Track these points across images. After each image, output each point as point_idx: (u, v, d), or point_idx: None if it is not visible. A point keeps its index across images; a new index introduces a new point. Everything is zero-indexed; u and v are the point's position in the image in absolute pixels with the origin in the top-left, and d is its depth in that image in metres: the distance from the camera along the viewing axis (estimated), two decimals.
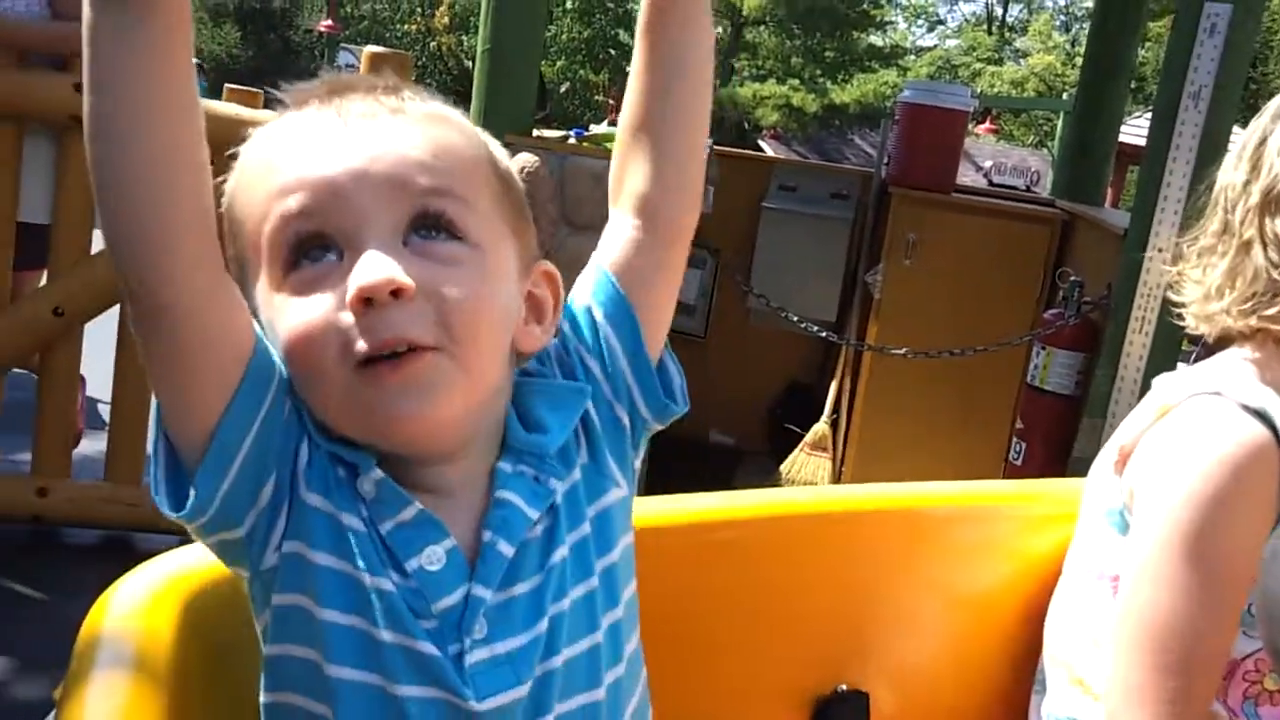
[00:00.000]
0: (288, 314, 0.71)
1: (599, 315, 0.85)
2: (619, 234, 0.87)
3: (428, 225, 0.72)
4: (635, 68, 0.85)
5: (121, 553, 3.01)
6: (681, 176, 0.86)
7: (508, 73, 3.13)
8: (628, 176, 0.86)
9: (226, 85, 3.07)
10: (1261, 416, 1.02)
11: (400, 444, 0.74)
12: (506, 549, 0.75)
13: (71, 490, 2.93)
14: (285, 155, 0.73)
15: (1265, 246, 1.07)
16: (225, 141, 2.82)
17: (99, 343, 3.03)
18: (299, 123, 0.75)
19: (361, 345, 0.69)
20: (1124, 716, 1.01)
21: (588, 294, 0.86)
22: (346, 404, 0.71)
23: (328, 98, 0.75)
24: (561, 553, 0.78)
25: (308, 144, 0.73)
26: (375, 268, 0.69)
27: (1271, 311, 1.07)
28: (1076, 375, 3.14)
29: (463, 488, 0.77)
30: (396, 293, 0.69)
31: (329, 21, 20.70)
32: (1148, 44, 17.23)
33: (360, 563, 0.72)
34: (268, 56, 23.90)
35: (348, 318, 0.69)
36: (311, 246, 0.71)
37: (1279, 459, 1.01)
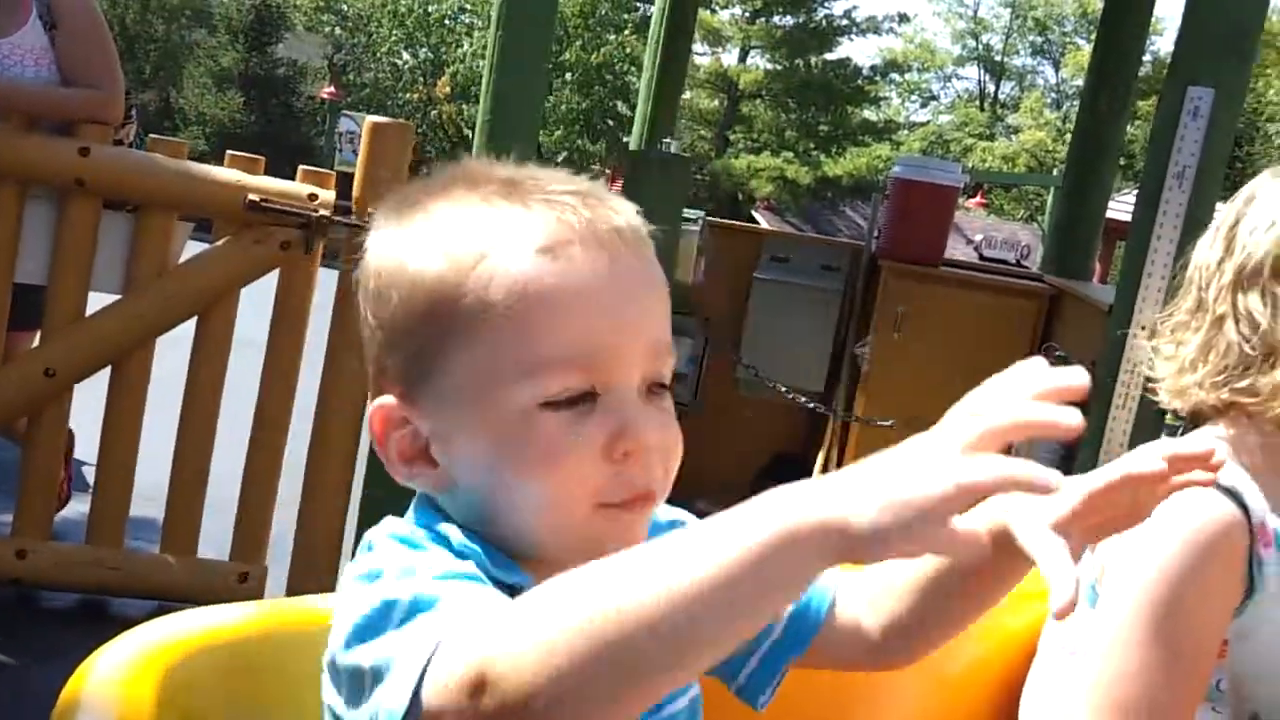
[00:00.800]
0: (540, 442, 0.71)
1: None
2: (855, 614, 0.91)
3: (660, 381, 0.76)
4: (927, 568, 0.86)
5: (101, 617, 2.99)
6: (931, 642, 0.90)
7: (507, 144, 3.18)
8: (891, 607, 0.89)
9: (229, 152, 3.12)
10: (1232, 495, 1.04)
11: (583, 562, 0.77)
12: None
13: (52, 553, 2.92)
14: (573, 306, 0.71)
15: (1237, 321, 1.10)
16: (226, 206, 2.85)
17: (88, 404, 3.04)
18: (578, 266, 0.72)
19: (614, 494, 0.72)
20: None
21: None
22: (573, 534, 0.73)
23: (594, 243, 0.73)
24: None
25: (594, 301, 0.72)
26: (646, 426, 0.72)
27: (1243, 384, 1.08)
28: (1060, 450, 3.15)
29: None
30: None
31: (331, 89, 21.01)
32: (1137, 121, 17.54)
33: None
34: (270, 121, 24.17)
35: (602, 463, 0.72)
36: (576, 397, 0.72)
37: (1248, 538, 1.03)
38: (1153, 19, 5.14)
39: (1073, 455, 3.11)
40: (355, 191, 3.10)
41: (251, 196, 2.93)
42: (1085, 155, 4.53)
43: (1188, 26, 3.03)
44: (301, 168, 3.16)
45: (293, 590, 3.03)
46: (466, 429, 0.73)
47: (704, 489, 4.90)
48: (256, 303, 3.11)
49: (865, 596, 0.91)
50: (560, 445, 0.71)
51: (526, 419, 0.71)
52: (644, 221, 0.78)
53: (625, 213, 0.76)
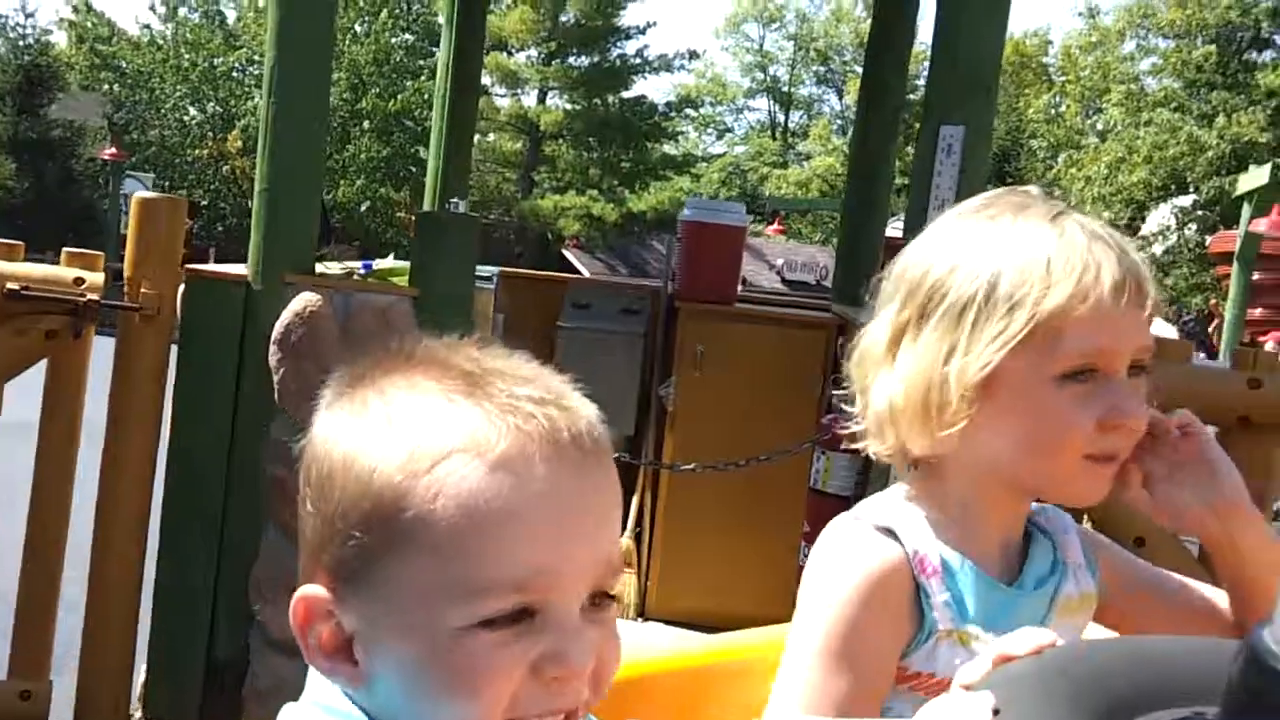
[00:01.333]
0: (466, 660, 0.69)
1: None
2: None
3: (602, 596, 0.73)
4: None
5: None
6: None
7: (288, 213, 3.09)
8: None
9: (65, 249, 2.95)
10: (890, 534, 1.10)
11: None
12: None
13: None
14: (523, 528, 0.69)
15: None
16: None
17: None
18: (536, 486, 0.69)
19: (533, 709, 0.70)
20: None
21: None
22: None
23: (556, 458, 0.70)
24: None
25: (548, 524, 0.70)
26: (583, 652, 0.70)
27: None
28: (856, 476, 3.30)
29: None
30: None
31: (113, 149, 19.95)
32: (914, 142, 18.65)
33: None
34: (46, 188, 22.76)
35: (529, 680, 0.70)
36: (514, 612, 0.69)
37: (910, 575, 1.08)
38: (919, 49, 5.49)
39: (868, 478, 3.26)
40: (126, 271, 2.96)
41: (10, 285, 2.76)
42: (861, 183, 4.78)
43: (936, 69, 3.25)
44: (66, 250, 3.00)
45: (83, 704, 2.84)
46: (394, 637, 0.71)
47: None
48: (29, 380, 2.92)
49: None
50: (488, 666, 0.69)
51: (459, 637, 0.69)
52: (603, 426, 0.76)
53: (586, 416, 0.74)
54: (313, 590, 0.73)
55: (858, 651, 1.06)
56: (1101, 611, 1.19)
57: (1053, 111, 26.98)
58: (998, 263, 1.06)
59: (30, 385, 2.92)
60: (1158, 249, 18.47)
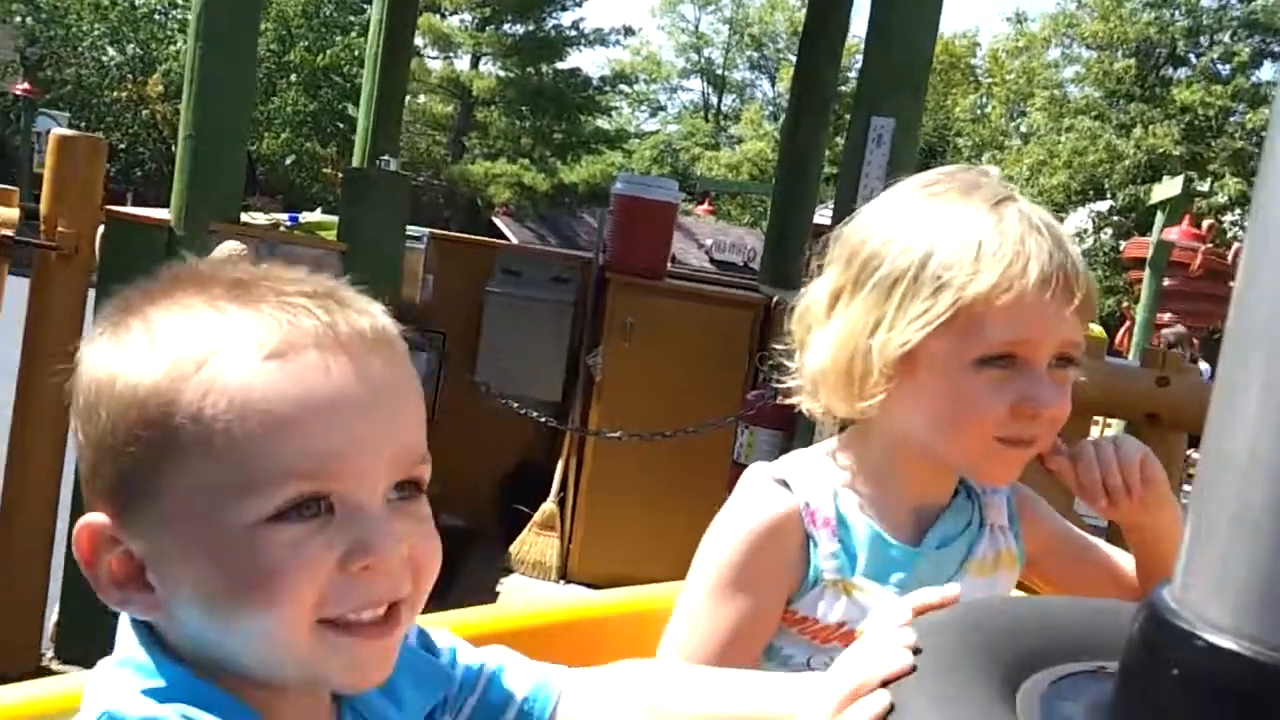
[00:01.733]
0: (262, 561, 0.66)
1: (475, 704, 0.91)
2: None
3: (409, 486, 0.72)
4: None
5: None
6: None
7: (213, 160, 3.03)
8: None
9: None
10: (784, 485, 1.15)
11: (330, 690, 0.73)
12: None
13: None
14: (300, 415, 0.66)
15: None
16: None
17: None
18: (311, 373, 0.67)
19: (346, 604, 0.68)
20: None
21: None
22: (297, 658, 0.68)
23: (334, 346, 0.68)
24: None
25: (326, 408, 0.67)
26: (390, 538, 0.69)
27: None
28: (777, 453, 3.36)
29: None
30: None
31: (25, 85, 19.18)
32: (843, 132, 18.86)
33: None
34: None
35: (336, 576, 0.67)
36: (306, 502, 0.67)
37: (799, 524, 1.14)
38: (852, 42, 5.55)
39: None
40: (43, 209, 2.88)
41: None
42: (791, 166, 4.84)
43: (869, 60, 3.31)
44: None
45: None
46: (184, 552, 0.68)
47: (450, 503, 4.90)
48: None
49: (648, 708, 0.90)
50: (285, 561, 0.66)
51: (250, 536, 0.66)
52: (392, 323, 0.74)
53: (370, 314, 0.72)
54: (94, 518, 0.69)
55: (743, 591, 1.12)
56: (1026, 569, 1.25)
57: (978, 111, 27.55)
58: (931, 241, 1.08)
59: None
60: None
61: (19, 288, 2.79)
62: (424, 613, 0.88)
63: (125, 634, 0.72)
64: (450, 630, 1.11)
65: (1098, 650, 0.59)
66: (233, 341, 0.66)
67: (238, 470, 0.65)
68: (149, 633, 0.72)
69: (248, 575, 0.66)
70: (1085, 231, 19.78)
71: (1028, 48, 25.89)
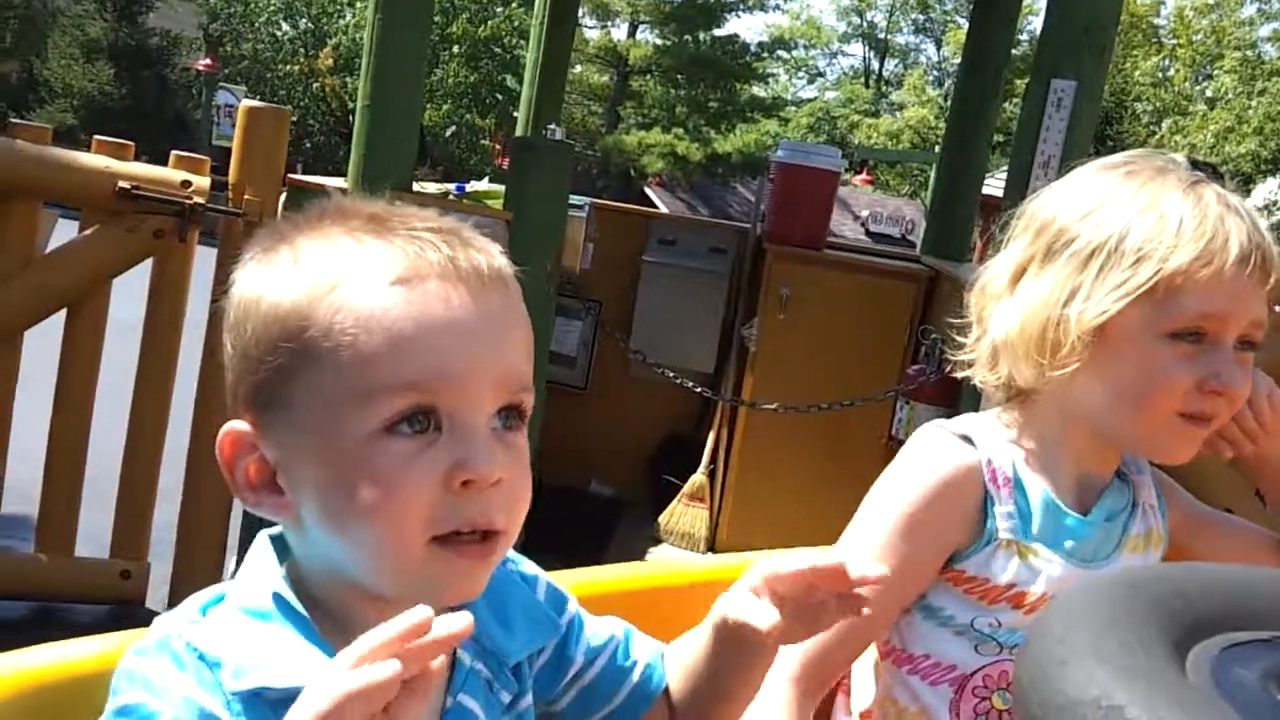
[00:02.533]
0: (377, 470, 0.71)
1: (605, 664, 0.96)
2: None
3: (512, 415, 0.76)
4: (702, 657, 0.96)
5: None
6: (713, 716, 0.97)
7: (388, 129, 3.13)
8: (683, 686, 0.98)
9: (96, 136, 3.01)
10: (969, 441, 1.17)
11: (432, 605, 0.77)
12: None
13: None
14: (418, 334, 0.72)
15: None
16: (95, 193, 2.76)
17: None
18: (431, 299, 0.73)
19: (448, 524, 0.72)
20: None
21: (621, 646, 0.97)
22: (409, 573, 0.73)
23: (453, 277, 0.74)
24: None
25: (441, 329, 0.73)
26: (490, 458, 0.73)
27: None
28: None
29: None
30: (497, 482, 0.73)
31: (207, 60, 20.21)
32: (1015, 99, 18.09)
33: None
34: (142, 95, 23.20)
35: (442, 493, 0.72)
36: (417, 415, 0.72)
37: (980, 481, 1.15)
38: (1022, 5, 5.31)
39: None
40: (231, 178, 3.03)
41: (122, 184, 2.84)
42: (960, 135, 4.67)
43: (1050, 21, 3.15)
44: (174, 153, 3.07)
45: (177, 586, 2.97)
46: (309, 457, 0.73)
47: (597, 471, 4.95)
48: (134, 282, 3.02)
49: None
50: (397, 472, 0.71)
51: (367, 446, 0.71)
52: (508, 264, 0.79)
53: (489, 253, 0.78)
54: (236, 425, 0.76)
55: (913, 540, 1.15)
56: (1169, 551, 1.27)
57: (1160, 75, 25.98)
58: (1130, 215, 1.11)
59: (137, 289, 3.01)
60: (1263, 224, 17.75)
61: (208, 256, 2.95)
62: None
63: (243, 584, 0.78)
64: (589, 585, 1.16)
65: (1270, 619, 0.56)
66: (364, 267, 0.73)
67: (359, 382, 0.71)
68: (278, 547, 0.79)
69: (362, 484, 0.71)
70: (1275, 203, 18.48)
71: (1219, 4, 24.24)
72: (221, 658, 0.72)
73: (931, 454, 1.17)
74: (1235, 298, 1.08)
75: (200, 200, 2.94)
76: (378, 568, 0.74)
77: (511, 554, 0.94)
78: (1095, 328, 1.10)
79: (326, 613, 0.76)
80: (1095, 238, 1.11)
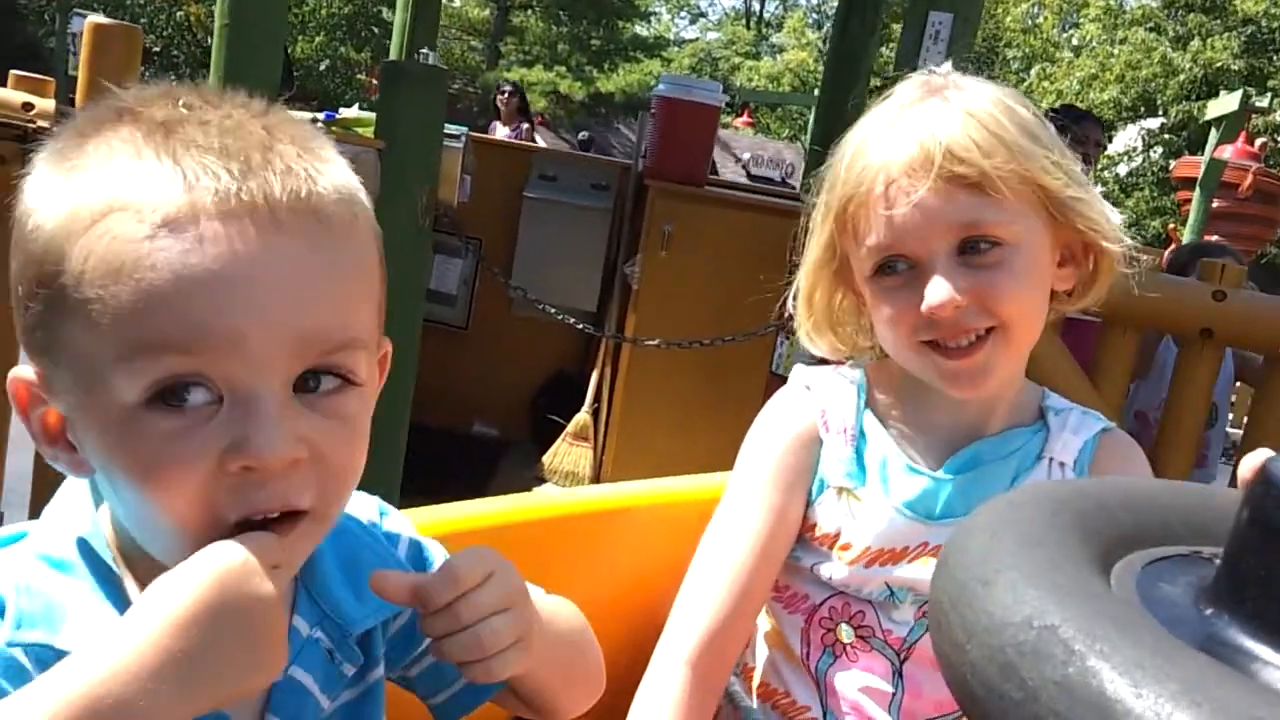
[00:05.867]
0: (138, 451, 0.61)
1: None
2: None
3: (323, 376, 0.65)
4: None
5: None
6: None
7: (250, 50, 2.94)
8: None
9: (12, 71, 2.78)
10: (808, 388, 1.21)
11: None
12: None
13: None
14: (176, 268, 0.60)
15: None
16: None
17: None
18: (188, 201, 0.61)
19: (231, 512, 0.63)
20: None
21: None
22: (191, 554, 0.63)
23: (239, 214, 0.61)
24: None
25: (212, 260, 0.60)
26: (273, 440, 0.61)
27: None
28: (817, 361, 3.28)
29: None
30: (294, 463, 0.63)
31: None
32: (890, 43, 18.36)
33: None
34: None
35: (218, 478, 0.62)
36: (182, 386, 0.61)
37: (815, 428, 1.18)
38: None
39: None
40: (78, 100, 2.81)
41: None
42: (839, 76, 4.67)
43: None
44: (14, 73, 2.83)
45: None
46: (83, 419, 0.64)
47: (480, 410, 4.88)
48: None
49: None
50: (157, 453, 0.61)
51: (130, 419, 0.61)
52: (344, 187, 0.67)
53: (303, 174, 0.64)
54: (21, 371, 0.66)
55: (767, 489, 1.17)
56: None
57: (1030, 22, 26.68)
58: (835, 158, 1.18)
59: None
60: (1122, 169, 18.52)
61: None
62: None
63: (45, 526, 0.70)
64: (463, 520, 1.11)
65: (1198, 534, 0.55)
66: (129, 198, 0.61)
67: (114, 344, 0.60)
68: (95, 489, 0.70)
69: (133, 459, 0.62)
70: (1134, 150, 19.27)
71: None
72: (4, 601, 0.64)
73: (777, 406, 1.21)
74: (913, 214, 1.03)
75: (44, 124, 2.71)
76: (166, 551, 0.65)
77: (379, 505, 0.86)
78: (828, 286, 1.16)
79: (137, 572, 0.67)
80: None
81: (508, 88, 8.40)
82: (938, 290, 1.03)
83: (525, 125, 7.94)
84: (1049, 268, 1.10)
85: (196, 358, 0.61)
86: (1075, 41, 24.83)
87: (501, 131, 7.74)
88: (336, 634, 0.75)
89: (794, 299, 1.20)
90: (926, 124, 1.04)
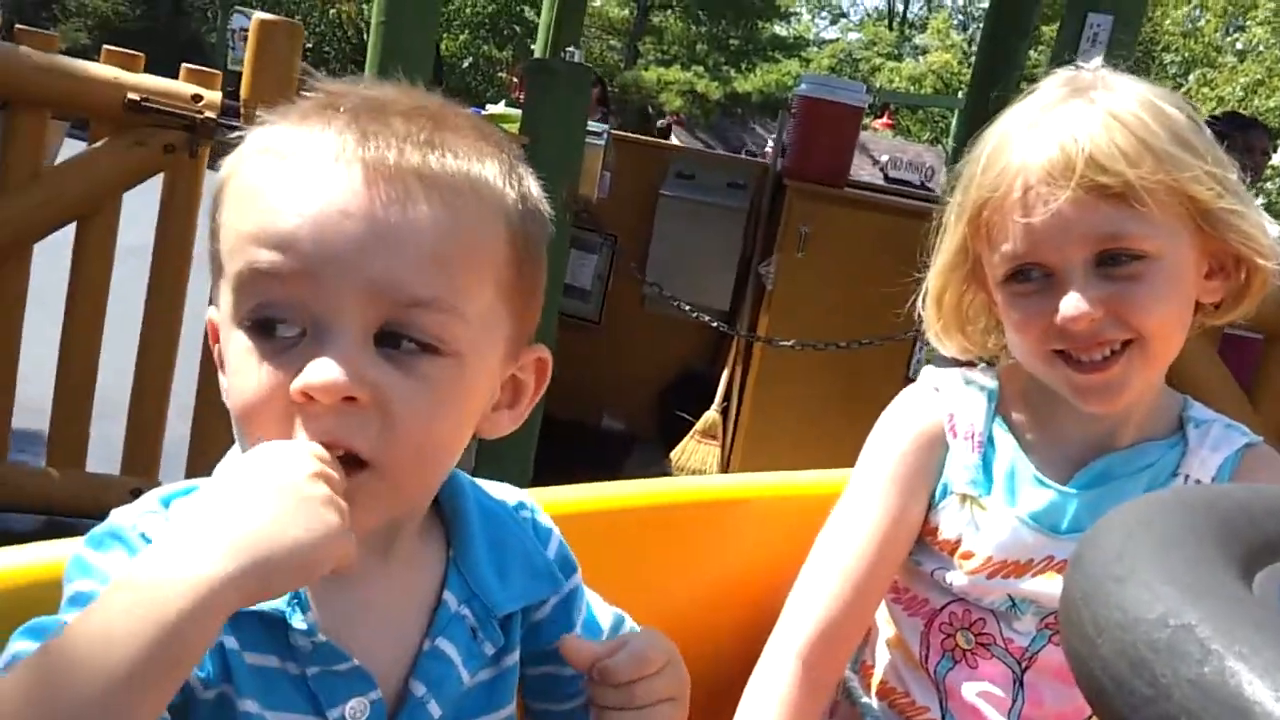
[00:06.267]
0: (239, 372, 0.67)
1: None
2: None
3: (404, 334, 0.67)
4: None
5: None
6: None
7: (403, 47, 3.07)
8: None
9: (105, 46, 2.95)
10: (937, 391, 1.19)
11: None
12: (435, 710, 0.74)
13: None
14: (281, 192, 0.66)
15: None
16: (103, 105, 2.70)
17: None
18: (312, 148, 0.67)
19: (303, 438, 0.66)
20: None
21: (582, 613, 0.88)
22: None
23: (354, 125, 0.67)
24: None
25: (310, 191, 0.65)
26: (325, 371, 0.64)
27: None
28: (952, 365, 3.21)
29: (397, 593, 0.76)
30: (348, 398, 0.65)
31: None
32: (1039, 47, 17.76)
33: (284, 710, 0.69)
34: (156, 17, 22.97)
35: (289, 407, 0.66)
36: (276, 318, 0.66)
37: (942, 431, 1.16)
38: None
39: None
40: (243, 93, 2.97)
41: (131, 96, 2.78)
42: (987, 78, 4.57)
43: None
44: (185, 66, 3.00)
45: None
46: (222, 341, 0.71)
47: (609, 404, 4.94)
48: (141, 207, 2.98)
49: None
50: (249, 376, 0.66)
51: (236, 341, 0.68)
52: (473, 174, 0.69)
53: (444, 151, 0.68)
54: (211, 311, 0.74)
55: (889, 490, 1.15)
56: None
57: (1190, 25, 25.45)
58: (974, 155, 1.14)
59: (147, 215, 2.97)
60: None
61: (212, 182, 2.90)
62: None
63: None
64: (586, 503, 1.15)
65: None
66: (279, 139, 0.68)
67: (229, 258, 0.68)
68: None
69: (230, 380, 0.69)
70: None
71: None
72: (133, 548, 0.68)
73: (903, 405, 1.19)
74: (1050, 222, 0.99)
75: (211, 115, 2.88)
76: None
77: (532, 499, 0.89)
78: (960, 287, 1.14)
79: None
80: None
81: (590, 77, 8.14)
82: (1072, 303, 1.00)
83: (604, 113, 7.73)
84: (1194, 280, 1.05)
85: (285, 287, 0.65)
86: (1240, 45, 23.56)
87: None
88: (482, 613, 0.78)
89: (923, 300, 1.19)
90: (1069, 127, 1.00)
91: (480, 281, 0.69)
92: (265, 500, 0.61)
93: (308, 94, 0.72)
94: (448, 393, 0.68)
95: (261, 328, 0.66)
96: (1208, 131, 1.05)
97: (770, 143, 4.93)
